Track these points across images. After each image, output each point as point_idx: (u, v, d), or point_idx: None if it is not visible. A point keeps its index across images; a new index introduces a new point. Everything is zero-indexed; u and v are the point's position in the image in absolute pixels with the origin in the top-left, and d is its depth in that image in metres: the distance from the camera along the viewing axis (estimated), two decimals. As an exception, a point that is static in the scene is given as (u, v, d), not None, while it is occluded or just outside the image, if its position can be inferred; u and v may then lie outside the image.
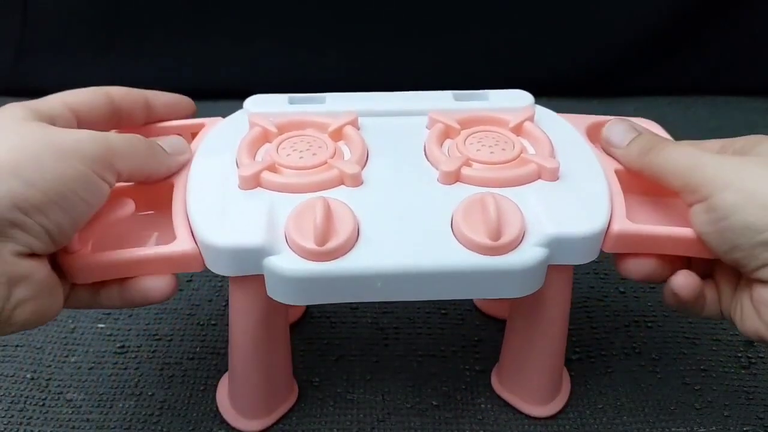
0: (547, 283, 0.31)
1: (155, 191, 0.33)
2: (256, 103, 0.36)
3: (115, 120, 0.34)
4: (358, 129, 0.35)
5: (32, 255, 0.27)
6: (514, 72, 0.65)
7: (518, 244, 0.29)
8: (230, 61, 0.68)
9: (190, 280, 0.46)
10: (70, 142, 0.28)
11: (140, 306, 0.32)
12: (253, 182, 0.31)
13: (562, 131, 0.35)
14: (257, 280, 0.30)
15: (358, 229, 0.29)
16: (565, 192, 0.31)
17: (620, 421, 0.37)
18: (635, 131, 0.33)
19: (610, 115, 0.37)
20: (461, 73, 0.66)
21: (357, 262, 0.28)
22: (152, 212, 0.34)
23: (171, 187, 0.33)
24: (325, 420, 0.37)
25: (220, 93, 0.68)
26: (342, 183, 0.32)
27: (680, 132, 0.61)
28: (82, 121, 0.32)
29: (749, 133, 0.68)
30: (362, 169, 0.32)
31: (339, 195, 0.31)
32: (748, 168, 0.29)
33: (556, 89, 0.55)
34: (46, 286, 0.28)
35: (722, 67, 0.66)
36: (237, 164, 0.32)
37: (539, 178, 0.32)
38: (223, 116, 0.37)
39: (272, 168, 0.32)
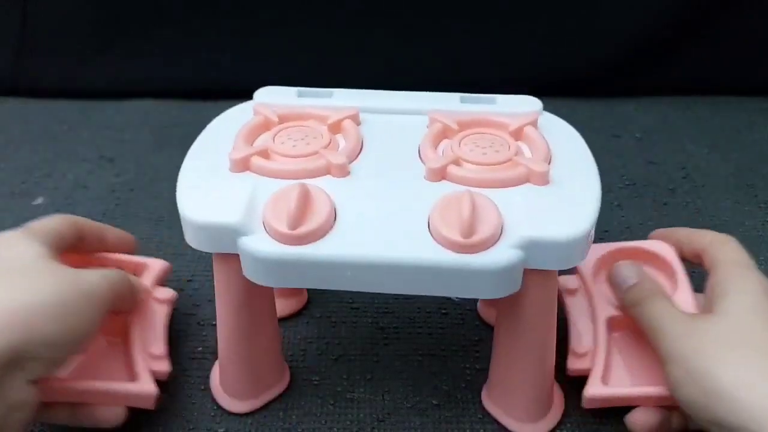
0: (528, 289, 0.30)
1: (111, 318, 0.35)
2: (265, 94, 0.37)
3: (77, 246, 0.37)
4: (359, 124, 0.35)
5: (35, 381, 0.29)
6: (514, 72, 0.65)
7: (492, 244, 0.29)
8: (230, 62, 0.68)
9: (191, 280, 0.46)
10: (93, 287, 0.32)
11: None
12: (242, 165, 0.32)
13: (567, 139, 0.35)
14: (237, 258, 0.30)
15: (335, 218, 0.30)
16: (551, 197, 0.31)
17: (620, 420, 0.37)
18: (636, 277, 0.35)
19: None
20: (461, 74, 0.66)
21: (327, 249, 0.29)
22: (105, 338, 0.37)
23: (124, 319, 0.36)
24: (326, 419, 0.37)
25: (221, 93, 0.68)
26: (328, 173, 0.32)
27: (680, 132, 0.61)
28: (59, 247, 0.34)
29: (749, 133, 0.68)
30: (353, 161, 0.33)
31: (323, 184, 0.31)
32: (694, 340, 0.30)
33: (557, 89, 0.55)
34: (35, 406, 0.30)
35: (722, 67, 0.66)
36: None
37: (528, 181, 0.31)
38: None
39: (264, 154, 0.32)
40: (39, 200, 0.55)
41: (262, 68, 0.67)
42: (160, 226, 0.51)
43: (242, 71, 0.68)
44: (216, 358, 0.41)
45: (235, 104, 0.38)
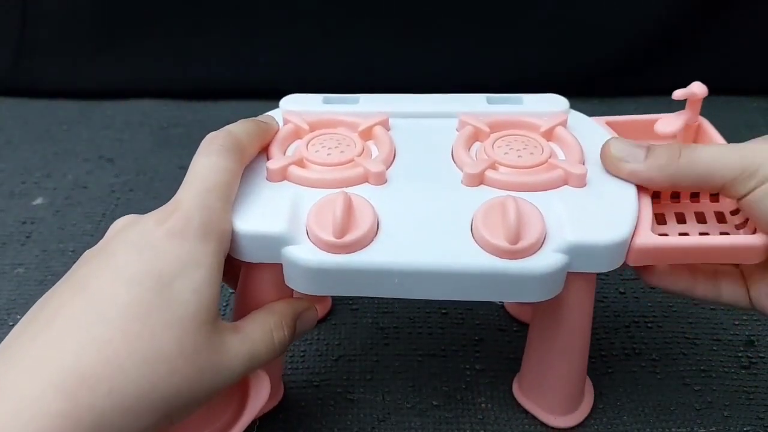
0: (568, 291, 0.30)
1: None
2: (291, 102, 0.37)
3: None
4: (389, 129, 0.35)
5: None
6: (515, 72, 0.65)
7: (537, 249, 0.29)
8: (231, 62, 0.68)
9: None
10: (233, 376, 0.27)
11: None
12: (280, 175, 0.32)
13: (596, 137, 0.34)
14: (270, 268, 0.30)
15: (378, 225, 0.30)
16: (590, 199, 0.31)
17: (620, 421, 0.37)
18: (645, 144, 0.31)
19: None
20: (461, 76, 0.66)
21: (373, 256, 0.29)
22: None
23: None
24: (326, 420, 0.37)
25: (220, 93, 0.68)
26: (366, 180, 0.32)
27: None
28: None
29: (749, 133, 0.68)
30: (388, 168, 0.32)
31: (362, 192, 0.31)
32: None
33: (556, 89, 0.55)
34: None
35: (722, 67, 0.66)
36: (267, 158, 0.33)
37: (566, 183, 0.31)
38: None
39: (300, 163, 0.32)
40: (39, 200, 0.55)
41: (262, 68, 0.67)
42: (160, 226, 0.51)
43: (243, 71, 0.68)
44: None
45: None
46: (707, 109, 0.37)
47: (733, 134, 0.61)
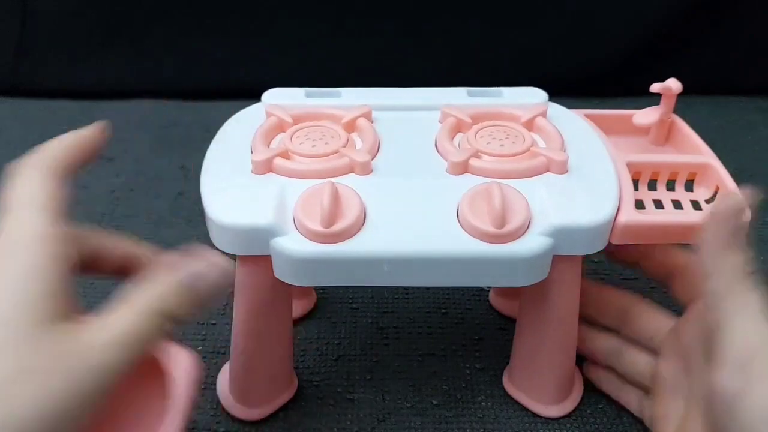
0: (554, 275, 0.31)
1: None
2: (274, 96, 0.37)
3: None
4: (372, 122, 0.35)
5: None
6: (515, 72, 0.65)
7: (523, 233, 0.29)
8: (231, 61, 0.68)
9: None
10: (102, 373, 0.22)
11: None
12: (265, 167, 0.32)
13: (575, 127, 0.35)
14: (264, 260, 0.30)
15: (365, 214, 0.30)
16: (573, 184, 0.31)
17: (620, 421, 0.37)
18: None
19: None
20: (461, 74, 0.66)
21: (361, 245, 0.29)
22: None
23: None
24: (325, 420, 0.37)
25: (221, 93, 0.68)
26: (352, 171, 0.32)
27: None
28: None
29: (749, 133, 0.68)
30: (373, 158, 0.33)
31: (348, 182, 0.31)
32: None
33: (557, 89, 0.55)
34: None
35: (722, 67, 0.66)
36: (252, 151, 0.33)
37: (548, 170, 0.32)
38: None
39: (285, 155, 0.32)
40: (39, 200, 0.55)
41: (262, 68, 0.67)
42: (160, 226, 0.51)
43: (242, 71, 0.68)
44: (215, 357, 0.41)
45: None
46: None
47: (733, 134, 0.62)
